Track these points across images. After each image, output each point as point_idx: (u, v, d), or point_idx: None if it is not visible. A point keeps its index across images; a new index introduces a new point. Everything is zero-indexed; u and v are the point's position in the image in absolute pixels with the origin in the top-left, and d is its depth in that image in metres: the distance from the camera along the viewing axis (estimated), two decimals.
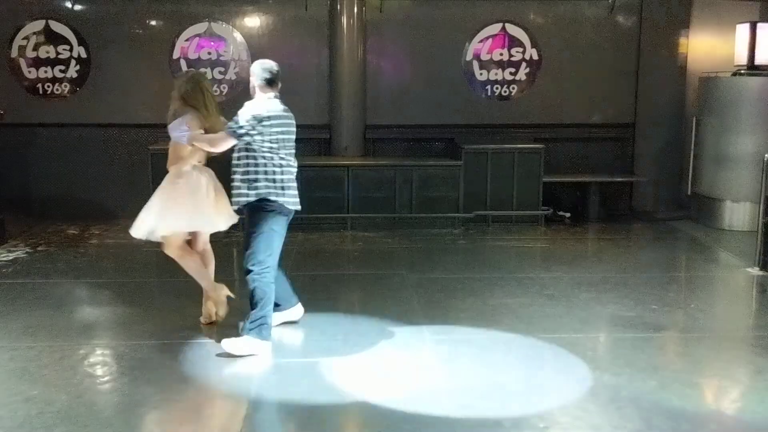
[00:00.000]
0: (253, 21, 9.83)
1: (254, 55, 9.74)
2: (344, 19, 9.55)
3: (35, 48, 9.66)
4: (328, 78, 9.76)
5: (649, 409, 4.31)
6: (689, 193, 9.61)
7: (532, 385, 4.65)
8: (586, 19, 10.00)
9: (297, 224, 8.72)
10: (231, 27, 9.77)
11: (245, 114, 5.07)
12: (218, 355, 5.07)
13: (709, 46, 9.75)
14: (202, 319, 5.64)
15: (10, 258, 7.64)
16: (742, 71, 9.10)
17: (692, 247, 8.51)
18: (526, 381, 4.70)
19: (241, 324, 5.27)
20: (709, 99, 9.21)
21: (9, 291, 6.55)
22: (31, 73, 9.70)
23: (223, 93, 9.65)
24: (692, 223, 9.35)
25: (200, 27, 9.73)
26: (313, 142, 9.87)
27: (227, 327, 5.52)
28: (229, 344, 5.06)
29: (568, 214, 9.65)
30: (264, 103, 5.20)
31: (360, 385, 4.74)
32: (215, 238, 5.80)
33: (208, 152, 5.42)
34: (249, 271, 5.07)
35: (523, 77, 10.00)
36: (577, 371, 4.84)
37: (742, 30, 9.15)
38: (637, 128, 10.12)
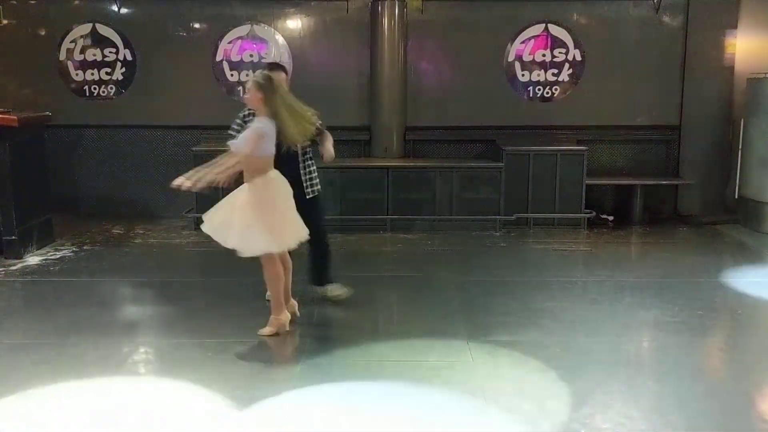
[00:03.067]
0: (295, 23, 9.90)
1: (296, 57, 9.84)
2: (385, 21, 9.55)
3: (82, 51, 9.87)
4: (369, 79, 9.77)
5: (694, 417, 4.22)
6: (736, 196, 9.41)
7: (574, 389, 4.58)
8: (631, 19, 9.84)
9: (336, 225, 8.84)
10: (273, 29, 9.85)
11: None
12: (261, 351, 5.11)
13: (758, 47, 9.51)
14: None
15: (58, 256, 7.80)
16: None
17: (739, 251, 8.32)
18: (568, 385, 4.63)
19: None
20: (758, 100, 8.99)
21: (56, 288, 6.69)
22: (78, 76, 9.91)
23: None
24: (739, 228, 9.14)
25: (243, 29, 9.83)
26: (353, 143, 9.91)
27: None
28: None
29: (611, 217, 9.52)
30: None
31: (399, 385, 4.73)
32: None
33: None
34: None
35: (566, 78, 9.89)
36: (619, 376, 4.77)
37: None
38: (683, 130, 9.94)
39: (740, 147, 9.27)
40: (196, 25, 9.95)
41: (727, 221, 9.42)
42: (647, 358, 5.30)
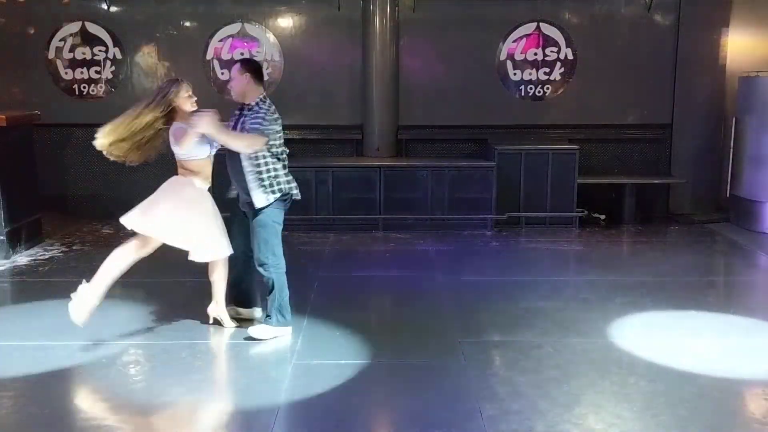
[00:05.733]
0: (286, 21, 9.85)
1: (287, 56, 9.80)
2: (377, 19, 9.52)
3: (72, 49, 9.80)
4: (361, 78, 9.74)
5: (686, 418, 4.21)
6: (728, 195, 9.42)
7: (566, 390, 4.57)
8: (623, 17, 9.84)
9: (328, 225, 8.83)
10: (264, 27, 9.80)
11: (269, 113, 5.16)
12: (250, 350, 5.07)
13: (750, 45, 9.53)
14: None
15: (47, 257, 7.75)
16: None
17: (731, 250, 8.32)
18: (560, 386, 4.62)
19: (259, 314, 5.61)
20: (749, 99, 9.01)
21: (45, 289, 6.64)
22: (67, 74, 9.84)
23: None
24: (731, 226, 9.15)
25: (233, 28, 9.78)
26: (345, 142, 9.89)
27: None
28: (255, 331, 5.33)
29: (603, 216, 9.52)
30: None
31: (390, 388, 4.71)
32: None
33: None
34: (265, 264, 5.24)
35: (558, 77, 9.88)
36: (612, 377, 4.75)
37: None
38: (675, 129, 9.94)
39: (732, 145, 9.28)
40: (186, 23, 9.90)
41: (718, 220, 9.43)
42: (639, 358, 5.27)
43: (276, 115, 5.23)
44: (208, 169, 5.41)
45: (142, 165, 6.20)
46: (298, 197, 5.40)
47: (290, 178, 5.33)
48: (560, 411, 4.28)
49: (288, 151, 5.35)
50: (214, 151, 5.35)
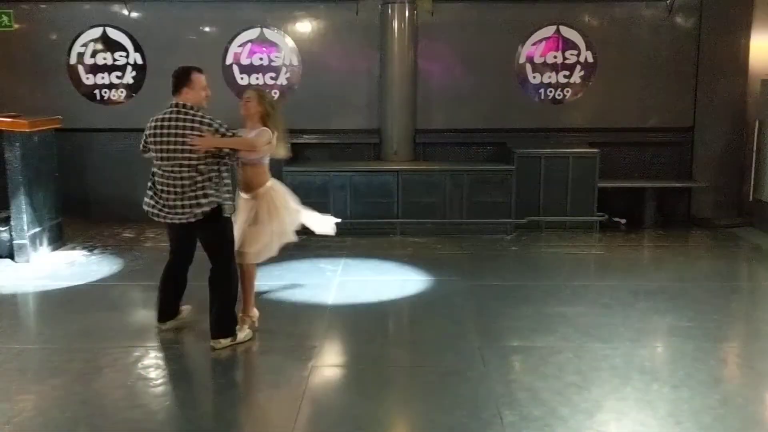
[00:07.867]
0: (305, 26, 9.87)
1: (305, 61, 9.82)
2: (395, 23, 9.51)
3: (93, 55, 9.87)
4: (379, 82, 9.74)
5: (710, 425, 4.15)
6: (751, 199, 9.31)
7: (588, 397, 4.52)
8: (644, 20, 9.76)
9: (346, 229, 8.81)
10: (283, 33, 9.82)
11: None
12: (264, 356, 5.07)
13: None
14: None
15: (69, 260, 7.80)
16: None
17: (754, 255, 8.22)
18: (582, 392, 4.57)
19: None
20: None
21: (66, 293, 6.68)
22: (89, 80, 9.91)
23: (275, 98, 9.72)
24: (754, 231, 9.05)
25: (253, 33, 9.81)
26: (362, 146, 9.89)
27: (278, 333, 5.54)
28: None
29: (623, 221, 9.44)
30: None
31: (409, 393, 4.69)
32: None
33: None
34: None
35: (578, 80, 9.82)
36: (634, 383, 4.70)
37: None
38: (696, 132, 9.85)
39: (754, 149, 9.17)
40: (206, 29, 9.94)
41: (741, 224, 9.33)
42: (662, 364, 5.22)
43: None
44: None
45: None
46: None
47: None
48: (581, 418, 4.24)
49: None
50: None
